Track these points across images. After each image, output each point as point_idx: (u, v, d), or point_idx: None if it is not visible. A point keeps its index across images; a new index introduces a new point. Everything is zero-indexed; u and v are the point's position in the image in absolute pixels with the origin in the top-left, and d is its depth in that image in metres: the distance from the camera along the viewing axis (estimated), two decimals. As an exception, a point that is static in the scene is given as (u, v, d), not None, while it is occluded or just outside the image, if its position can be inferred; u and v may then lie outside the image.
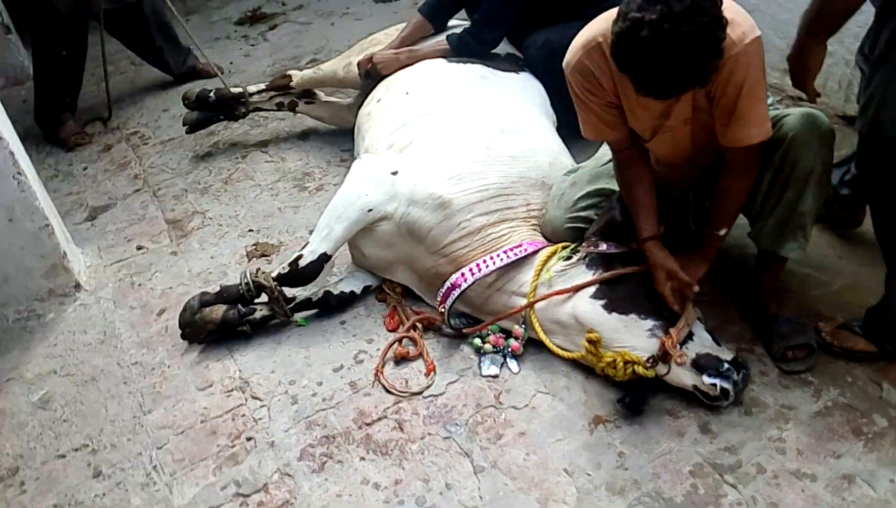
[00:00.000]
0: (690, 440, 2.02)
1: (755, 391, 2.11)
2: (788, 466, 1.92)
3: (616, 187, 2.25)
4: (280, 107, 3.77)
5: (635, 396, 2.06)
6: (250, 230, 3.19)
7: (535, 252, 2.35)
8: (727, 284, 2.43)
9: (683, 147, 2.12)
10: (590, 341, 2.07)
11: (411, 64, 3.08)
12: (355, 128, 3.17)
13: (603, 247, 2.22)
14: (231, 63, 4.92)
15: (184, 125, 3.77)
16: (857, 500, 1.82)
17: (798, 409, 2.05)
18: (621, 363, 2.04)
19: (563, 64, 2.05)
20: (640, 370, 2.03)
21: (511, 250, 2.34)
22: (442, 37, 3.15)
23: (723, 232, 2.11)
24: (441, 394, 2.28)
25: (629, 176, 2.16)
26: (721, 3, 1.66)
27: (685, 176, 2.30)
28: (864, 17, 2.75)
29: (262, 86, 3.78)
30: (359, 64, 3.24)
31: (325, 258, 2.48)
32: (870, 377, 2.09)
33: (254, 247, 3.07)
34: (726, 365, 2.00)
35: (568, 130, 2.70)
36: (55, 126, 4.10)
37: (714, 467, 1.95)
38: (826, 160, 2.02)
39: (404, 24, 3.35)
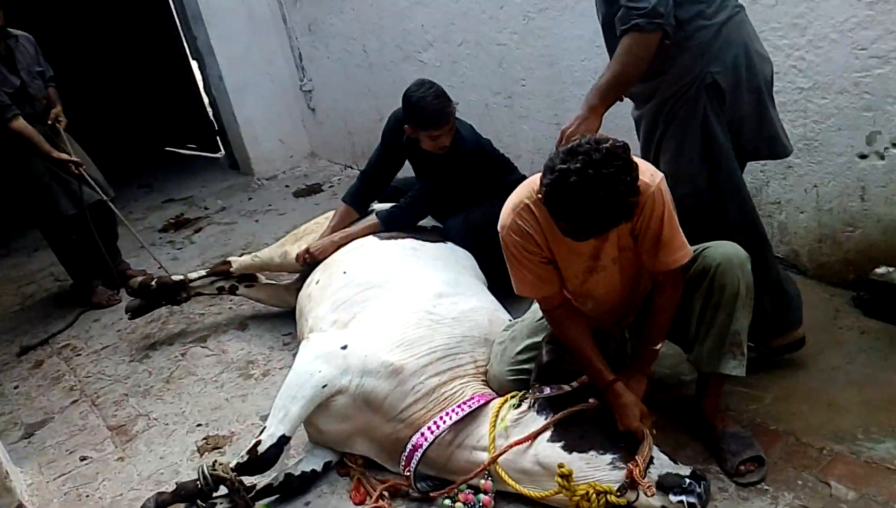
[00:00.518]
0: (666, 567, 2.05)
1: (719, 507, 2.20)
2: (765, 578, 1.97)
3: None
4: (221, 291, 3.88)
5: None
6: (199, 425, 3.15)
7: (487, 403, 2.45)
8: (672, 411, 2.56)
9: (615, 285, 2.31)
10: (562, 475, 2.12)
11: (346, 244, 3.28)
12: (297, 311, 3.27)
13: (546, 391, 2.33)
14: (159, 268, 5.00)
15: (126, 312, 3.86)
16: None
17: (760, 519, 2.14)
18: (594, 495, 2.09)
19: (499, 227, 2.25)
20: (612, 498, 2.08)
21: (464, 403, 2.43)
22: (371, 216, 3.40)
23: (659, 346, 2.29)
24: (418, 562, 2.25)
25: (569, 330, 2.30)
26: (629, 150, 1.93)
27: (620, 317, 2.49)
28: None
29: (203, 272, 3.90)
30: (297, 257, 3.41)
31: (284, 441, 2.47)
32: (817, 477, 2.21)
33: (204, 441, 3.03)
34: (688, 480, 2.08)
35: (498, 287, 2.93)
36: (88, 293, 4.63)
37: (695, 591, 1.98)
38: (748, 282, 2.24)
39: (332, 212, 3.60)
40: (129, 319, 3.94)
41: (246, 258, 3.84)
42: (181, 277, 3.86)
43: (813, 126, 3.00)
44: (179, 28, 6.49)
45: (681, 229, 2.15)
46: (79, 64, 8.91)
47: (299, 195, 5.98)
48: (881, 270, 2.86)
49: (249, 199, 6.16)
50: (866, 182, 2.91)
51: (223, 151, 7.26)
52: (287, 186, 6.29)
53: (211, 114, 7.14)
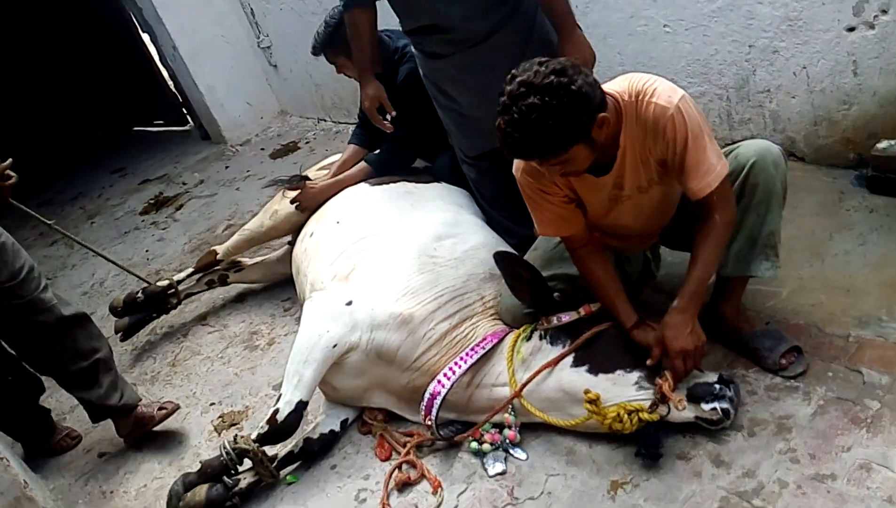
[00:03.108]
0: (709, 477, 2.03)
1: (751, 411, 2.15)
2: (807, 472, 1.94)
3: (571, 271, 2.34)
4: (211, 285, 3.76)
5: (648, 443, 2.08)
6: (212, 404, 3.10)
7: (500, 341, 2.40)
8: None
9: (643, 213, 2.22)
10: (590, 400, 2.09)
11: (338, 192, 3.18)
12: (293, 269, 3.19)
13: (554, 321, 2.29)
14: (147, 251, 4.90)
15: (116, 333, 3.61)
16: (880, 485, 1.85)
17: (795, 416, 2.09)
18: (625, 415, 2.06)
19: (513, 170, 2.18)
20: (644, 416, 2.05)
21: (478, 345, 2.39)
22: (361, 162, 3.29)
23: (706, 277, 2.11)
24: (455, 507, 2.22)
25: (593, 270, 2.24)
26: (571, 74, 1.81)
27: (645, 241, 2.42)
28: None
29: (189, 270, 3.74)
30: (293, 200, 3.28)
31: (302, 406, 2.42)
32: (847, 366, 2.17)
33: (220, 419, 2.98)
34: (717, 386, 2.06)
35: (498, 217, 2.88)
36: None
37: (740, 496, 1.95)
38: (784, 181, 2.14)
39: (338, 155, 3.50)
40: (121, 340, 3.64)
41: (232, 239, 3.68)
42: (166, 282, 3.67)
43: (794, 5, 2.87)
44: (123, 2, 6.19)
45: (715, 147, 2.00)
46: (33, 57, 8.61)
47: (276, 156, 5.83)
48: (883, 144, 2.78)
49: (226, 167, 6.01)
50: (857, 56, 2.80)
51: (192, 123, 7.05)
52: (262, 148, 6.13)
53: (172, 86, 6.90)
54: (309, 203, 3.24)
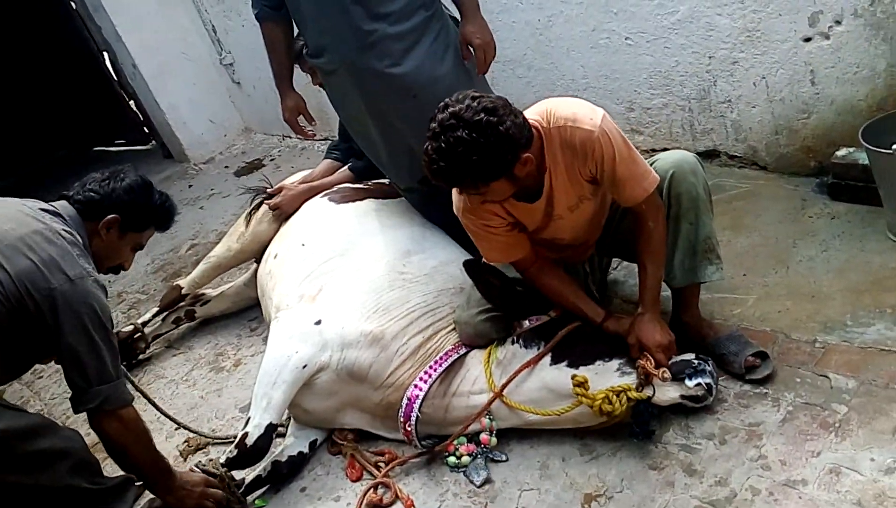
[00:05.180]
0: (681, 487, 2.03)
1: (721, 419, 2.16)
2: (778, 479, 1.95)
3: (515, 274, 2.36)
4: (178, 322, 3.62)
5: (640, 421, 2.12)
6: (177, 429, 3.02)
7: (474, 347, 2.41)
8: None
9: (579, 227, 2.28)
10: (578, 383, 2.10)
11: (313, 196, 3.16)
12: (258, 290, 3.13)
13: (526, 324, 2.32)
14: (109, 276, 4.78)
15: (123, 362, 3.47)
16: (849, 489, 1.86)
17: (765, 422, 2.10)
18: (614, 396, 2.07)
19: (455, 210, 2.23)
20: (632, 394, 2.07)
21: (451, 350, 2.39)
22: (343, 169, 3.30)
23: (658, 275, 2.22)
24: (428, 527, 2.19)
25: (549, 282, 2.29)
26: (505, 121, 1.86)
27: (581, 253, 2.46)
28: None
29: (153, 310, 3.60)
30: (272, 205, 3.23)
31: (272, 429, 2.37)
32: (815, 372, 2.19)
33: (186, 444, 2.90)
34: (696, 361, 2.11)
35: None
36: None
37: (713, 504, 1.95)
38: (705, 186, 2.21)
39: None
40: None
41: (197, 270, 3.56)
42: (131, 326, 3.52)
43: (752, 16, 2.93)
44: (82, 20, 6.08)
45: (639, 157, 2.09)
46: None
47: (241, 174, 5.76)
48: (842, 152, 2.83)
49: (189, 186, 5.91)
50: (814, 65, 2.85)
51: (154, 142, 6.93)
52: (226, 166, 6.04)
53: (133, 104, 6.79)
54: (289, 206, 3.19)
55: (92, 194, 2.31)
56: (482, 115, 1.85)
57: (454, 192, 2.20)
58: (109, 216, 2.30)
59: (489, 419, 2.31)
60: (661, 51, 3.25)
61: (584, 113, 2.01)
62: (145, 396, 2.71)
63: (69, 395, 2.16)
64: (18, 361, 2.27)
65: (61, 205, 2.29)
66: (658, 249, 2.18)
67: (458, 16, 2.62)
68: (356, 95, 2.66)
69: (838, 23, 2.72)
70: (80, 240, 2.21)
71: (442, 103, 1.91)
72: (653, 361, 2.08)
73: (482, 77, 2.66)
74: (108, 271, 2.45)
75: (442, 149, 1.87)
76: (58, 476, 2.19)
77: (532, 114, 2.04)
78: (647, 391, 2.09)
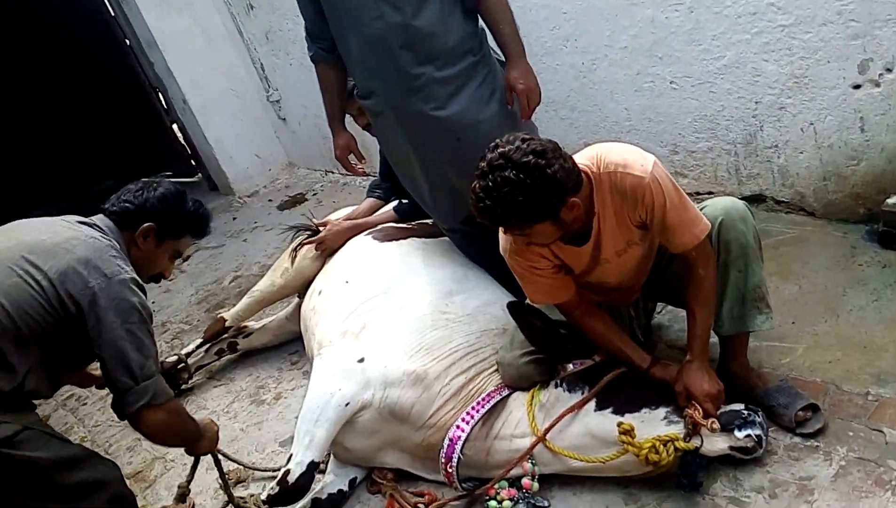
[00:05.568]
0: (729, 541, 1.98)
1: (771, 472, 2.11)
2: (831, 536, 1.90)
3: (559, 317, 2.35)
4: (221, 354, 3.68)
5: (687, 472, 2.07)
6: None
7: (516, 389, 2.39)
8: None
9: (627, 270, 2.26)
10: (624, 431, 2.07)
11: (357, 233, 3.19)
12: (301, 326, 3.16)
13: (570, 367, 2.30)
14: (153, 303, 4.87)
15: None
16: (905, 550, 1.81)
17: (817, 477, 2.05)
18: (661, 445, 2.03)
19: (501, 251, 2.23)
20: (679, 444, 2.03)
21: (495, 391, 2.37)
22: (387, 207, 3.34)
23: (708, 324, 2.19)
24: (467, 572, 2.17)
25: (594, 325, 2.27)
26: (543, 155, 1.87)
27: (627, 297, 2.44)
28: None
29: (197, 342, 3.66)
30: (316, 241, 3.27)
31: (314, 467, 2.37)
32: (868, 426, 2.13)
33: (227, 476, 2.92)
34: (746, 412, 2.07)
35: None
36: None
37: (762, 560, 1.90)
38: (755, 233, 2.18)
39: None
40: None
41: (241, 304, 3.62)
42: (175, 357, 3.58)
43: (800, 63, 2.92)
44: (135, 56, 6.30)
45: (690, 203, 2.08)
46: (45, 108, 8.74)
47: (284, 208, 5.85)
48: (893, 200, 2.80)
49: (234, 219, 6.02)
50: (864, 112, 2.83)
51: (200, 175, 7.09)
52: (270, 200, 6.15)
53: (181, 138, 6.97)
54: (334, 242, 3.23)
55: (126, 204, 2.33)
56: (531, 157, 1.86)
57: (500, 232, 2.21)
58: (145, 225, 2.32)
59: (531, 463, 2.28)
60: (706, 95, 3.25)
61: (634, 159, 2.01)
62: None
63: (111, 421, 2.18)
64: (63, 369, 2.27)
65: (98, 218, 2.32)
66: (708, 296, 2.15)
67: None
68: (401, 137, 2.70)
69: (889, 70, 2.70)
70: (117, 246, 2.22)
71: (493, 144, 1.93)
72: (701, 410, 2.04)
73: (530, 122, 2.68)
74: (150, 279, 2.47)
75: (489, 188, 1.88)
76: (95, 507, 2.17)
77: (582, 159, 2.04)
78: (695, 442, 2.05)
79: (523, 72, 2.56)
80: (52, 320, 2.03)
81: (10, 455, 1.91)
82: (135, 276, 2.18)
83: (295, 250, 3.35)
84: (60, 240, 2.11)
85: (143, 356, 2.11)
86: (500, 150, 1.89)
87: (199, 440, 2.41)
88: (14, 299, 1.97)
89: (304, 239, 3.34)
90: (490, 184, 1.87)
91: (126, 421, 2.15)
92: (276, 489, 2.37)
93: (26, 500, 1.99)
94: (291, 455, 2.40)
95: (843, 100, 2.86)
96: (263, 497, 2.38)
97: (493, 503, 2.30)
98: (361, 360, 2.46)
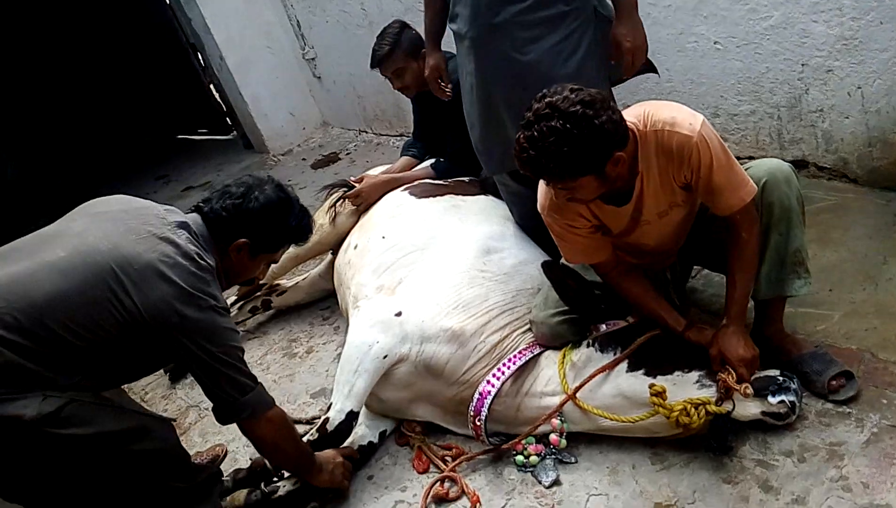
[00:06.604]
0: (756, 503, 1.98)
1: (801, 437, 2.10)
2: (860, 502, 1.89)
3: (594, 277, 2.34)
4: (254, 311, 3.74)
5: (718, 436, 2.07)
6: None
7: (548, 347, 2.41)
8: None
9: (665, 234, 2.24)
10: (656, 393, 2.07)
11: (394, 188, 3.21)
12: (335, 280, 3.20)
13: (603, 328, 2.30)
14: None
15: (165, 373, 3.52)
16: (937, 518, 1.79)
17: (847, 443, 2.04)
18: (692, 408, 2.03)
19: (538, 208, 2.21)
20: (711, 408, 2.03)
21: (528, 348, 2.39)
22: (424, 164, 3.35)
23: (748, 289, 2.15)
24: (494, 524, 2.20)
25: (630, 286, 2.25)
26: (593, 105, 1.83)
27: (663, 260, 2.42)
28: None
29: (232, 299, 3.72)
30: (348, 197, 3.29)
31: (353, 416, 2.43)
32: (902, 394, 2.11)
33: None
34: (781, 378, 2.06)
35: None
36: None
37: (789, 523, 1.90)
38: (798, 196, 2.14)
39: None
40: (171, 381, 3.50)
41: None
42: None
43: (851, 24, 2.83)
44: (173, 12, 6.32)
45: (738, 165, 2.04)
46: (77, 62, 8.85)
47: (317, 167, 5.88)
48: (940, 167, 2.71)
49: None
50: (915, 76, 2.74)
51: (235, 132, 7.14)
52: (304, 159, 6.18)
53: (217, 95, 7.01)
54: (370, 196, 3.24)
55: (224, 213, 2.18)
56: (578, 106, 1.82)
57: (540, 189, 2.18)
58: (239, 241, 2.19)
59: (560, 420, 2.30)
60: (751, 56, 3.17)
61: (683, 117, 1.97)
62: None
63: (213, 407, 2.15)
64: (134, 371, 2.21)
65: (192, 219, 2.18)
66: (750, 261, 2.11)
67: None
68: (471, 70, 2.62)
69: (943, 33, 2.61)
70: (211, 264, 2.11)
71: (540, 93, 1.89)
72: (735, 375, 2.02)
73: (607, 89, 2.54)
74: (241, 284, 2.44)
75: (534, 138, 1.84)
76: (157, 474, 2.13)
77: (629, 116, 1.99)
78: (727, 406, 2.04)
79: (632, 28, 2.44)
80: (127, 332, 1.94)
81: (55, 434, 1.84)
82: (224, 304, 2.11)
83: (333, 206, 3.35)
84: (154, 258, 1.98)
85: (235, 379, 2.09)
86: (548, 99, 1.85)
87: (311, 461, 2.32)
88: (89, 314, 1.89)
89: (341, 194, 3.34)
90: (535, 134, 1.84)
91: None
92: (316, 435, 2.43)
93: (75, 475, 1.95)
94: (331, 404, 2.45)
95: (893, 63, 2.77)
96: (304, 444, 2.42)
97: (520, 457, 2.33)
98: (399, 314, 2.48)
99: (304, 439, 2.44)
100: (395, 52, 3.19)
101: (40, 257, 1.94)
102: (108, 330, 1.91)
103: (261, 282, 3.65)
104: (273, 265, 3.58)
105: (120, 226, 2.04)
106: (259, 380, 2.18)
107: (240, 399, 2.10)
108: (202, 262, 2.07)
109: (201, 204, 2.23)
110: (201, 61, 6.61)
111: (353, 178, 3.46)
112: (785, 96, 3.14)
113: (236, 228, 2.18)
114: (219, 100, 7.06)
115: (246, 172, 6.32)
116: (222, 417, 2.16)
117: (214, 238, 2.18)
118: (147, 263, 1.96)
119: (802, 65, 3.02)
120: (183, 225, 2.12)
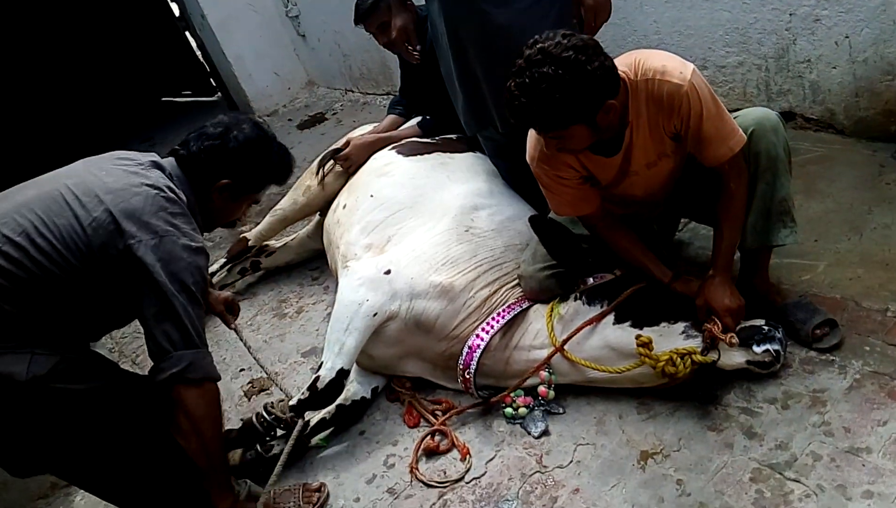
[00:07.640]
0: (741, 449, 2.02)
1: (784, 384, 2.13)
2: (841, 446, 1.92)
3: (581, 232, 2.35)
4: (244, 273, 3.75)
5: (702, 384, 2.12)
6: (241, 370, 3.13)
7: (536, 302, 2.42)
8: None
9: (653, 186, 2.24)
10: (642, 344, 2.10)
11: (381, 148, 3.19)
12: (324, 240, 3.19)
13: (591, 281, 2.31)
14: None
15: None
16: (916, 459, 1.83)
17: (830, 389, 2.07)
18: (678, 358, 2.05)
19: (528, 159, 2.20)
20: (697, 358, 2.05)
21: (516, 302, 2.41)
22: (411, 122, 3.33)
23: (734, 240, 2.16)
24: (483, 474, 2.24)
25: (617, 238, 2.26)
26: (584, 51, 1.80)
27: (653, 209, 2.42)
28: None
29: (221, 261, 3.72)
30: (334, 159, 3.27)
31: (343, 374, 2.44)
32: (885, 341, 2.14)
33: (250, 385, 3.01)
34: (766, 327, 2.08)
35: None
36: None
37: (772, 468, 1.94)
38: (786, 146, 2.13)
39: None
40: None
41: (263, 223, 3.64)
42: None
43: (839, -29, 2.79)
44: (152, -31, 6.21)
45: (728, 116, 2.03)
46: (60, 26, 8.68)
47: (304, 127, 5.83)
48: (927, 117, 2.71)
49: (254, 138, 6.01)
50: (903, 25, 2.71)
51: (219, 93, 7.06)
52: (290, 119, 6.13)
53: (200, 56, 6.91)
54: (358, 158, 3.22)
55: (203, 155, 2.10)
56: (571, 52, 1.79)
57: (529, 139, 2.17)
58: (221, 182, 2.11)
59: (548, 372, 2.33)
60: (738, 7, 3.14)
61: (673, 66, 1.95)
62: (238, 333, 2.65)
63: (138, 332, 1.99)
64: (111, 315, 2.10)
65: (168, 162, 2.10)
66: (738, 212, 2.11)
67: None
68: (443, 30, 2.57)
69: (932, -21, 2.58)
70: (183, 200, 2.01)
71: (531, 40, 1.86)
72: (720, 325, 2.04)
73: None
74: (223, 226, 2.35)
75: (525, 85, 1.82)
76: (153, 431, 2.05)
77: (620, 64, 1.96)
78: (713, 355, 2.07)
79: None
80: (90, 263, 1.86)
81: (52, 390, 1.80)
82: (193, 240, 1.95)
83: (321, 168, 3.32)
84: (124, 184, 1.92)
85: (183, 323, 1.88)
86: (540, 45, 1.82)
87: (226, 474, 2.13)
88: (56, 232, 1.83)
89: (329, 157, 3.32)
90: (527, 80, 1.81)
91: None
92: (307, 394, 2.44)
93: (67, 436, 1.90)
94: (322, 363, 2.46)
95: (881, 11, 2.75)
96: (293, 402, 2.44)
97: (509, 410, 2.36)
98: (388, 272, 2.49)
99: (295, 398, 2.46)
100: (379, 5, 3.14)
101: (14, 198, 1.93)
102: (74, 251, 1.84)
103: (251, 245, 3.65)
104: (261, 227, 3.61)
105: (91, 166, 2.02)
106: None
107: (178, 351, 1.88)
108: (172, 194, 1.98)
109: (178, 147, 2.15)
110: (182, 21, 6.50)
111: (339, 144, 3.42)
112: (773, 47, 3.12)
113: (217, 169, 2.11)
114: (202, 60, 6.96)
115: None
116: (156, 371, 1.91)
117: (195, 181, 2.10)
118: (112, 187, 1.91)
119: (790, 14, 2.99)
120: (156, 164, 2.07)
